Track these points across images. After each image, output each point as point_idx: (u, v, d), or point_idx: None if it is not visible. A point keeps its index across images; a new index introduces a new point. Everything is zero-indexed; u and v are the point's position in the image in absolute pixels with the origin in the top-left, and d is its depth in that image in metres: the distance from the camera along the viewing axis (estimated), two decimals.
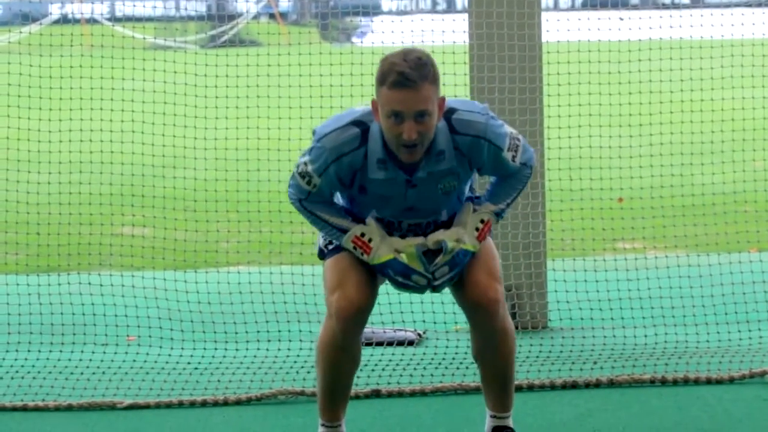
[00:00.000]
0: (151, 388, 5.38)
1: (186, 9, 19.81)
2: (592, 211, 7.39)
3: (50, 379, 5.50)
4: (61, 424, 5.02)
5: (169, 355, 5.80)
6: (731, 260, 6.78)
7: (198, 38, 20.87)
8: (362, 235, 4.12)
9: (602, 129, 6.94)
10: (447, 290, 4.28)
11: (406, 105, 3.88)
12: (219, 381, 5.45)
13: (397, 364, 5.63)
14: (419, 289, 4.18)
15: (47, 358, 5.75)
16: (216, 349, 5.92)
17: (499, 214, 4.19)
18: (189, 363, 5.71)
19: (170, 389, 5.37)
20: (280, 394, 5.24)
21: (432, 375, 5.48)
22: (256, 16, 23.53)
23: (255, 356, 5.79)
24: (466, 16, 6.31)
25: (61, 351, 5.83)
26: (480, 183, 4.47)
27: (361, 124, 4.02)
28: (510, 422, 4.37)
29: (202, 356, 5.79)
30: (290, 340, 5.98)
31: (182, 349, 5.89)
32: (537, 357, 5.71)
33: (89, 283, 6.38)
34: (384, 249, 4.10)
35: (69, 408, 5.18)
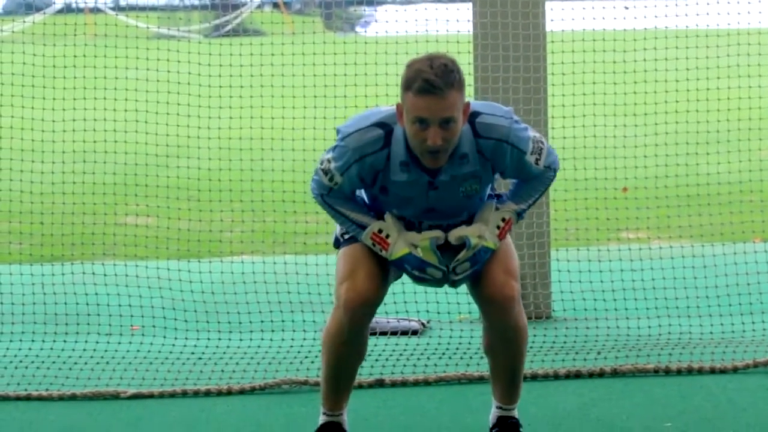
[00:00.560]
0: (155, 377, 5.38)
1: None
2: (597, 200, 7.38)
3: (54, 369, 5.50)
4: (64, 414, 5.02)
5: (173, 344, 5.80)
6: (736, 250, 6.77)
7: (202, 27, 20.85)
8: (380, 231, 4.15)
9: (607, 118, 6.92)
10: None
11: (431, 112, 3.91)
12: (223, 371, 5.44)
13: (401, 354, 5.63)
14: (437, 283, 4.21)
15: (51, 348, 5.75)
16: (220, 339, 5.92)
17: (520, 214, 4.23)
18: (193, 353, 5.71)
19: (174, 379, 5.37)
20: (284, 383, 5.24)
21: (436, 365, 5.48)
22: (260, 6, 23.50)
23: (259, 346, 5.79)
24: (470, 5, 6.29)
25: (65, 341, 5.83)
26: (504, 183, 4.48)
27: (384, 125, 4.05)
28: (515, 413, 4.40)
29: (206, 346, 5.79)
30: (294, 330, 5.98)
31: (186, 338, 5.89)
32: (541, 347, 5.71)
33: (93, 273, 6.38)
34: (400, 244, 4.13)
35: (73, 397, 5.18)
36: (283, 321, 6.04)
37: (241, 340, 5.90)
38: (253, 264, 6.49)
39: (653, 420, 4.74)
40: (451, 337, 5.88)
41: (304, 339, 5.85)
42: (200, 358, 5.63)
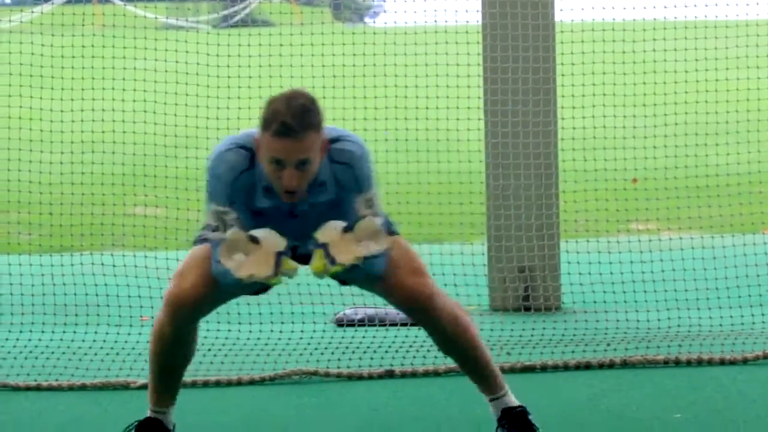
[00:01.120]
0: None
1: None
2: (606, 191, 7.37)
3: (63, 360, 5.50)
4: (74, 404, 5.02)
5: None
6: (745, 241, 6.76)
7: (210, 18, 20.84)
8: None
9: (616, 109, 6.91)
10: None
11: (287, 153, 3.82)
12: (233, 362, 5.45)
13: (411, 345, 5.63)
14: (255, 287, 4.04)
15: (60, 339, 5.76)
16: (230, 330, 5.92)
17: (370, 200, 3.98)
18: (203, 344, 5.70)
19: None
20: (294, 374, 5.24)
21: (445, 356, 5.46)
22: None
23: (269, 337, 5.79)
24: None
25: (74, 331, 5.83)
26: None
27: (247, 148, 3.94)
28: (510, 399, 4.18)
29: (216, 337, 5.79)
30: (303, 322, 5.98)
31: None
32: (551, 339, 5.70)
33: (102, 264, 6.38)
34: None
35: (82, 388, 5.19)
36: (292, 313, 6.04)
37: (250, 331, 5.90)
38: None
39: (663, 411, 4.73)
40: None
41: (314, 330, 5.85)
42: (210, 349, 5.63)
